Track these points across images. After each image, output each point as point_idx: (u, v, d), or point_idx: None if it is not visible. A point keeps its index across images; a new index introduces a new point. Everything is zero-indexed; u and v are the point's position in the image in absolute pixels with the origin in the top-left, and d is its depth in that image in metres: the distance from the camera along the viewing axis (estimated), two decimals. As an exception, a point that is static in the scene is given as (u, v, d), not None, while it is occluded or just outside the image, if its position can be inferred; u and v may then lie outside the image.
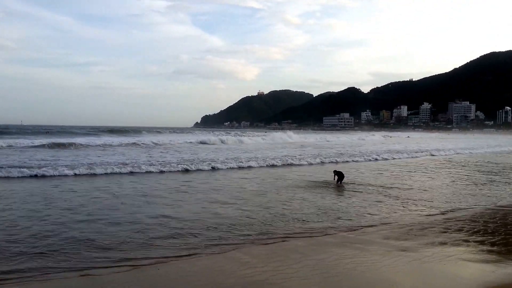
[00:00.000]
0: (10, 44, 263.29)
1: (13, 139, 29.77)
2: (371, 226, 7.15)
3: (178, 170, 14.85)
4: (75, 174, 12.97)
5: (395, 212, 8.24)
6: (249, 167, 16.49)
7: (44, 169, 13.23)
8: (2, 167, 13.19)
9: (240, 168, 16.21)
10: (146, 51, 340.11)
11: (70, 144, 25.81)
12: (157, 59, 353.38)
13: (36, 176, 12.48)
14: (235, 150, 26.78)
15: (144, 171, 14.28)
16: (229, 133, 61.97)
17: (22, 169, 12.93)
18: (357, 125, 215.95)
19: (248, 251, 5.69)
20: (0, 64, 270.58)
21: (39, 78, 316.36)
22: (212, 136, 40.91)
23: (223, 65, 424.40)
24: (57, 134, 45.30)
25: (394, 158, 22.73)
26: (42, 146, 25.00)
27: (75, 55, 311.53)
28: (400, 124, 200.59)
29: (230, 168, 15.98)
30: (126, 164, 15.52)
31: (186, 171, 14.86)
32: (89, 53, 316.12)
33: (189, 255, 5.48)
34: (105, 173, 13.47)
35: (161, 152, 23.43)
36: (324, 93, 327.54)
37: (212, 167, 15.64)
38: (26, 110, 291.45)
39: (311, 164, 18.68)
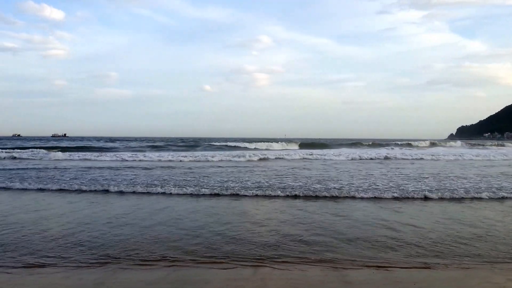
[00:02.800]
0: (277, 68, 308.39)
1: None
2: None
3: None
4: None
5: None
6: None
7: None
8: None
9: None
10: (397, 63, 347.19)
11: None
12: (408, 71, 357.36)
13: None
14: None
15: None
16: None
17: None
18: None
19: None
20: (270, 86, 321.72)
21: (300, 96, 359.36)
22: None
23: (483, 71, 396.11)
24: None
25: None
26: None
27: (330, 74, 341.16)
28: None
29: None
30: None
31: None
32: (342, 70, 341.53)
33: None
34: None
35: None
36: None
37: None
38: (288, 125, 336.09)
39: None
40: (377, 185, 13.77)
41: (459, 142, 66.36)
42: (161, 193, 12.49)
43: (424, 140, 71.86)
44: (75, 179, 15.57)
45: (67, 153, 33.19)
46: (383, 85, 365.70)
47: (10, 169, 20.08)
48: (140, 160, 27.12)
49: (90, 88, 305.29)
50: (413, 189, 12.87)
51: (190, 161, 26.92)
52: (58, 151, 36.55)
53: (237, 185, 13.79)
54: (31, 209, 10.00)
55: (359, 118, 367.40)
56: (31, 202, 11.05)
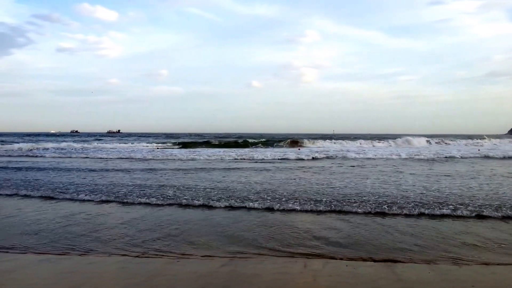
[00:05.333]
0: (325, 63, 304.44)
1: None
2: None
3: None
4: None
5: None
6: None
7: None
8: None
9: None
10: (453, 56, 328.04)
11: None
12: (465, 63, 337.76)
13: None
14: None
15: None
16: None
17: None
18: None
19: None
20: (318, 81, 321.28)
21: (349, 91, 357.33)
22: None
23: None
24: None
25: None
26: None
27: (381, 67, 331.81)
28: None
29: None
30: None
31: None
32: (394, 64, 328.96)
33: None
34: None
35: None
36: None
37: None
38: (337, 120, 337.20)
39: None
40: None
41: None
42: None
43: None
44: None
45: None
46: (439, 78, 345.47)
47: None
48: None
49: (142, 86, 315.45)
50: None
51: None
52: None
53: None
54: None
55: (413, 113, 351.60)
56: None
